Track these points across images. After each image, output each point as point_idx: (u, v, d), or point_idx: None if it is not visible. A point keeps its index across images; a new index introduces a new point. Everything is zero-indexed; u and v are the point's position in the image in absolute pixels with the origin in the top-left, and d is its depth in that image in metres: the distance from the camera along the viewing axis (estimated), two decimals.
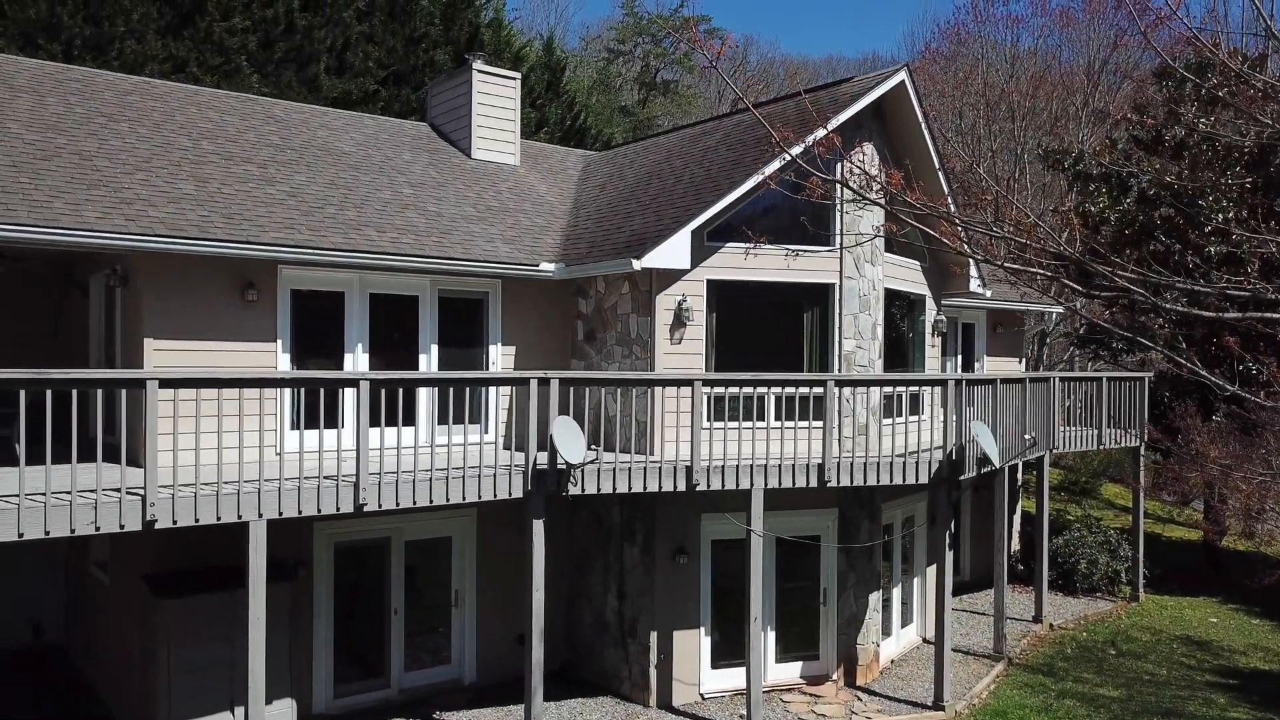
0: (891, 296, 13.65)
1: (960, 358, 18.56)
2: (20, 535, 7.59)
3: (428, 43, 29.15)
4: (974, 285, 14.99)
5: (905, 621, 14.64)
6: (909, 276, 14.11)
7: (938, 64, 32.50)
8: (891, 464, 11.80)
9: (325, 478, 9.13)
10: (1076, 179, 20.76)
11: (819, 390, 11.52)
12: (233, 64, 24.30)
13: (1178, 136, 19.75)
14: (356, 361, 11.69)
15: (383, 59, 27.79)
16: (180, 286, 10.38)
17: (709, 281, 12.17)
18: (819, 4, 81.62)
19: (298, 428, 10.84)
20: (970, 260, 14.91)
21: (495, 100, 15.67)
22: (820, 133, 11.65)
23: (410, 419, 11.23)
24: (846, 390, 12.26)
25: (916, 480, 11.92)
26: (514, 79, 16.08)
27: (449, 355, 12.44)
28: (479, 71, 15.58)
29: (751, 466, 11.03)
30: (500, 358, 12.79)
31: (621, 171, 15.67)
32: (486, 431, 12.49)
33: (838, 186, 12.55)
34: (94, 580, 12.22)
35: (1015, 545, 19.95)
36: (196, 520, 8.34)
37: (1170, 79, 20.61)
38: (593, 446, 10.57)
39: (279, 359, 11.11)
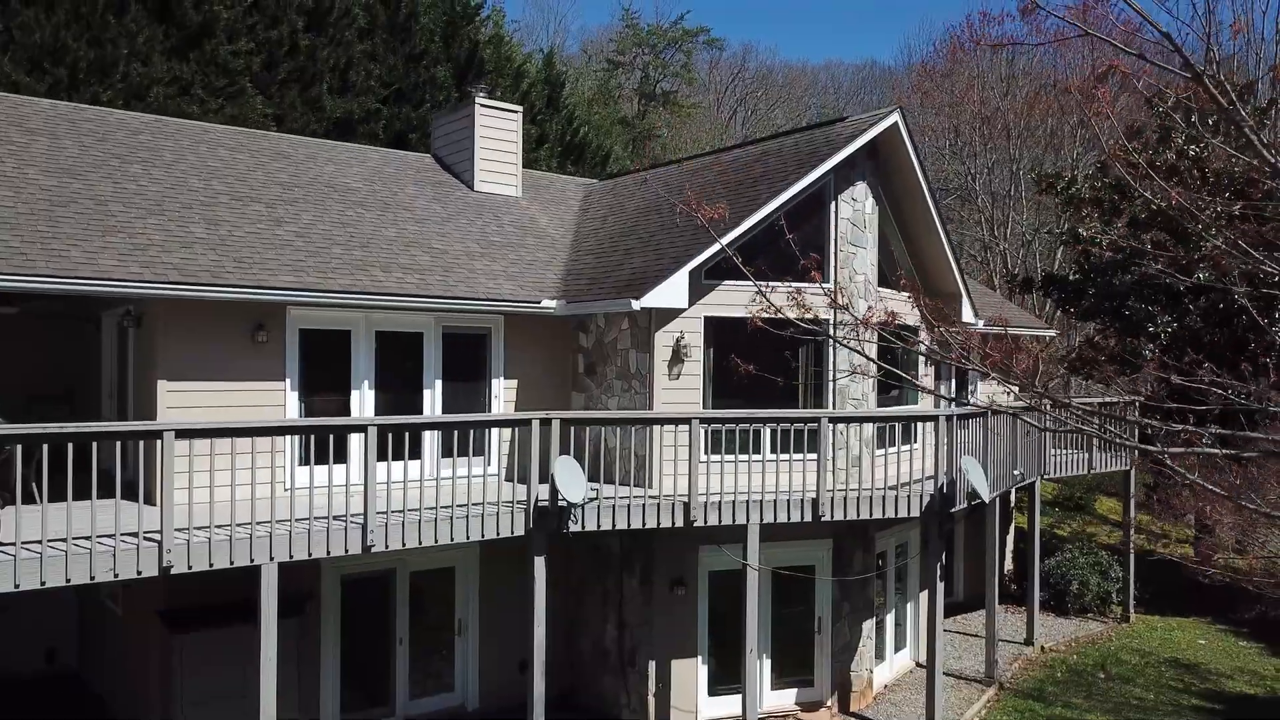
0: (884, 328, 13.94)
1: (954, 381, 18.86)
2: (43, 583, 7.90)
3: (428, 60, 29.49)
4: (967, 316, 15.29)
5: (899, 646, 14.95)
6: (902, 309, 14.41)
7: (933, 80, 32.81)
8: (884, 497, 12.11)
9: (334, 518, 9.46)
10: (1069, 203, 21.07)
11: (814, 425, 11.84)
12: (237, 85, 24.57)
13: (1169, 161, 20.01)
14: (363, 398, 12.00)
15: (384, 77, 28.10)
16: (192, 329, 10.70)
17: (706, 318, 12.48)
18: (819, 10, 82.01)
19: (306, 464, 11.15)
20: (964, 293, 15.24)
21: (498, 133, 15.98)
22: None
23: (416, 453, 11.53)
24: (841, 424, 12.57)
25: (908, 513, 12.24)
26: (516, 111, 16.39)
27: (453, 390, 12.75)
28: (481, 105, 15.89)
29: (748, 502, 11.35)
30: (503, 391, 13.10)
31: (622, 204, 15.98)
32: (489, 464, 12.76)
33: (832, 217, 12.90)
34: (107, 609, 12.52)
35: (1009, 565, 20.28)
36: (211, 565, 8.65)
37: (1162, 104, 20.94)
38: (593, 486, 10.85)
39: (287, 397, 11.41)
